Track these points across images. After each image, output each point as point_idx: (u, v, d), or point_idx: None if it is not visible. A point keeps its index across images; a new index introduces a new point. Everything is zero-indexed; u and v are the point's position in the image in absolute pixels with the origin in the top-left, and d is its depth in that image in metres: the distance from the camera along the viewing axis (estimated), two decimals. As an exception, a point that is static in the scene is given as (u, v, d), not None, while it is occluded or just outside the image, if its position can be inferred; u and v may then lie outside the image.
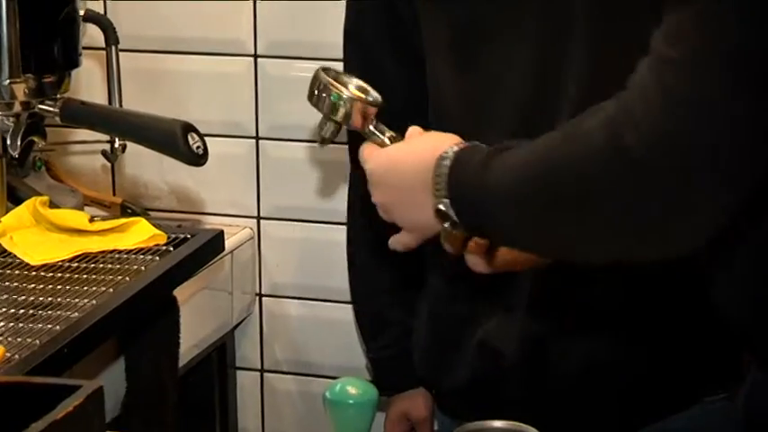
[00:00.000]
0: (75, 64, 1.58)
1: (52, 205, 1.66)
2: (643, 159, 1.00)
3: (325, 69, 1.31)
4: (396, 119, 1.34)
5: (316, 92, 1.30)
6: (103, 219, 1.65)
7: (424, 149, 1.21)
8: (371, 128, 1.30)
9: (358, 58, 1.66)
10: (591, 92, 1.31)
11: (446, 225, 1.18)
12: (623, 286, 1.50)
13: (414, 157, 1.22)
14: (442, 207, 1.17)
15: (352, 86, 1.30)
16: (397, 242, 1.27)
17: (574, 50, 1.44)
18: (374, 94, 1.31)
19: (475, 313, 1.59)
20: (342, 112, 1.29)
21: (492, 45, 1.49)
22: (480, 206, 1.14)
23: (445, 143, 1.19)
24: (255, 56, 2.09)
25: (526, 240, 1.16)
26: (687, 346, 1.54)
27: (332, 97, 1.28)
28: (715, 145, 0.99)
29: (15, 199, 1.71)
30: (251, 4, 2.06)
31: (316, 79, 1.31)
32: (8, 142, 1.61)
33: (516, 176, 1.12)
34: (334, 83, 1.29)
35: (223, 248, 1.73)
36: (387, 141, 1.31)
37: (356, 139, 1.38)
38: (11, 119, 1.60)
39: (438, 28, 1.55)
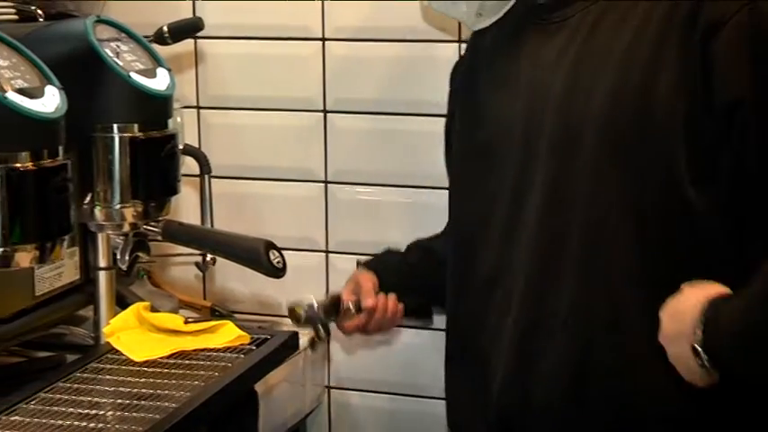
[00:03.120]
0: (176, 191, 1.59)
1: (152, 309, 1.68)
2: None
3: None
4: None
5: (295, 317, 1.65)
6: (196, 320, 1.66)
7: (695, 297, 1.29)
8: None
9: None
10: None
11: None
12: None
13: (687, 304, 1.30)
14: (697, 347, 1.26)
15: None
16: None
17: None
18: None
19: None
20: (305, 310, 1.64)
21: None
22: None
23: (710, 291, 1.28)
24: (326, 182, 2.11)
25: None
26: None
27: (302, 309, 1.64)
28: None
29: (122, 304, 1.73)
30: (322, 139, 2.10)
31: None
32: (118, 257, 1.63)
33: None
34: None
35: (298, 347, 1.75)
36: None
37: None
38: (120, 237, 1.63)
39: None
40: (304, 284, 2.13)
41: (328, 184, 2.11)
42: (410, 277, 1.75)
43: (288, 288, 2.12)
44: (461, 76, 1.69)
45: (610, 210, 1.45)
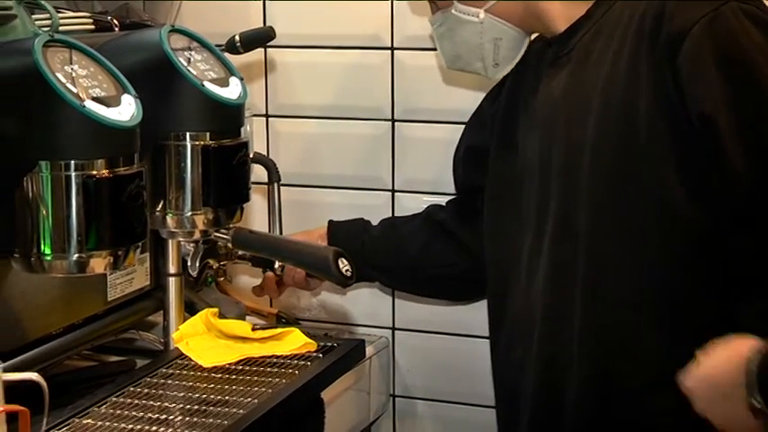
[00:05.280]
0: (246, 199, 1.60)
1: (220, 315, 1.69)
2: None
3: None
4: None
5: None
6: (263, 327, 1.67)
7: (727, 358, 1.27)
8: None
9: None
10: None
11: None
12: None
13: (722, 366, 1.27)
14: (755, 403, 1.22)
15: None
16: None
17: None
18: None
19: None
20: None
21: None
22: None
23: (744, 347, 1.25)
24: (393, 190, 2.12)
25: None
26: None
27: None
28: None
29: (191, 310, 1.74)
30: (390, 147, 2.11)
31: None
32: (188, 264, 1.66)
33: None
34: None
35: (364, 355, 1.75)
36: None
37: None
38: (191, 244, 1.65)
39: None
40: (369, 292, 2.15)
41: (396, 193, 2.12)
42: (363, 247, 1.84)
43: (354, 296, 2.14)
44: (499, 108, 1.72)
45: (610, 234, 1.46)
